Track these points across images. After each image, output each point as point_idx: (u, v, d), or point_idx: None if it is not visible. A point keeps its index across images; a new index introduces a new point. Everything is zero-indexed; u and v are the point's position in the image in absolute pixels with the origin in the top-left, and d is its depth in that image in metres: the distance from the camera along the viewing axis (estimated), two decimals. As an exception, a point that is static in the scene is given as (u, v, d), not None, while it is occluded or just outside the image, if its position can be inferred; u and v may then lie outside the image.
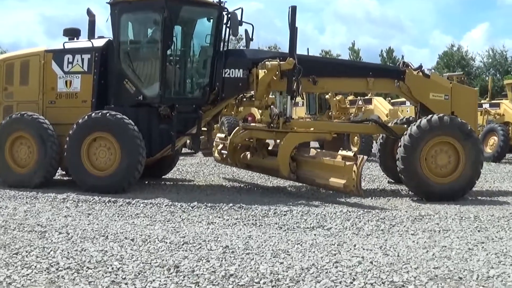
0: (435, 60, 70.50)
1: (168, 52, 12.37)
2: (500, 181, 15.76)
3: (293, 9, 12.03)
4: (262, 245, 7.39)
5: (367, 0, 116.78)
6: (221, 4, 12.66)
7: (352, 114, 25.46)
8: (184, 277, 5.85)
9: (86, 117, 11.94)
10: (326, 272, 6.09)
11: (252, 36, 13.15)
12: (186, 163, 18.58)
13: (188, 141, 16.19)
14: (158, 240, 7.52)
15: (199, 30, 13.12)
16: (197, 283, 5.68)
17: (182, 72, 12.94)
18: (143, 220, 9.08)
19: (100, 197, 10.98)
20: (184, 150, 20.43)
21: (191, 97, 13.13)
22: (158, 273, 5.98)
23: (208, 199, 11.12)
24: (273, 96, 15.32)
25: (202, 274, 5.95)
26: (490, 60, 66.06)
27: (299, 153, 12.23)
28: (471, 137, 11.87)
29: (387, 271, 6.21)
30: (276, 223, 8.99)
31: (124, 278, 5.75)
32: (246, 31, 13.04)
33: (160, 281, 5.70)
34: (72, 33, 13.37)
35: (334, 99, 26.17)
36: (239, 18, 12.44)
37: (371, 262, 6.55)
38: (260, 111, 19.20)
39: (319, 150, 12.20)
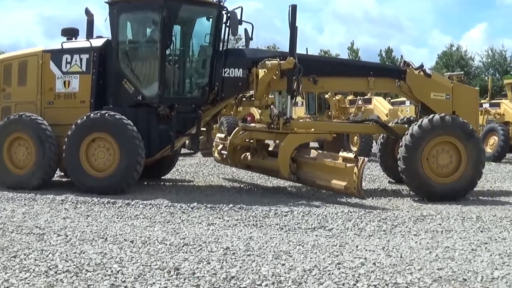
0: (434, 60, 70.59)
1: (167, 51, 12.30)
2: (501, 181, 15.68)
3: (293, 8, 11.94)
4: (263, 246, 7.31)
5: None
6: (221, 3, 12.57)
7: (352, 114, 25.39)
8: (184, 279, 5.76)
9: (85, 117, 11.85)
10: (329, 274, 6.01)
11: (251, 36, 13.06)
12: (185, 164, 18.49)
13: (187, 142, 16.10)
14: (158, 242, 7.43)
15: (199, 29, 13.03)
16: (198, 285, 5.59)
17: (181, 72, 12.86)
18: (142, 222, 8.98)
19: (99, 198, 10.89)
20: (183, 151, 20.31)
21: (190, 97, 13.04)
22: (158, 275, 5.88)
23: (208, 200, 11.04)
24: (273, 96, 15.25)
25: (203, 276, 5.86)
26: (489, 60, 66.04)
27: (299, 154, 12.14)
28: (473, 137, 11.81)
29: (391, 272, 6.13)
30: (277, 224, 8.90)
31: (124, 281, 5.65)
32: (245, 30, 12.96)
33: (160, 284, 5.61)
34: (70, 33, 13.27)
35: (334, 98, 26.10)
36: (238, 17, 12.35)
37: (374, 264, 6.47)
38: (259, 111, 19.16)
39: (319, 151, 12.08)
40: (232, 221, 9.11)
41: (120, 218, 9.29)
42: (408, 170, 11.69)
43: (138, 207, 10.21)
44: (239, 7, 12.41)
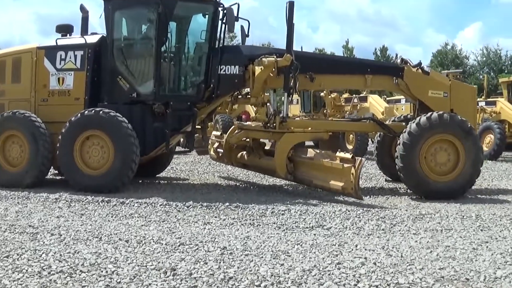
0: (429, 59, 70.39)
1: (163, 48, 12.11)
2: (498, 179, 15.60)
3: (291, 5, 11.81)
4: (261, 246, 7.18)
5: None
6: (217, 0, 12.42)
7: (347, 112, 25.28)
8: (181, 280, 5.62)
9: (79, 115, 11.69)
10: (329, 274, 5.89)
11: (248, 33, 12.90)
12: (180, 162, 18.37)
13: (181, 139, 15.98)
14: (154, 242, 7.29)
15: (194, 26, 12.87)
16: (195, 286, 5.46)
17: (176, 69, 12.70)
18: (137, 221, 8.84)
19: (93, 196, 10.73)
20: (177, 149, 20.15)
21: (185, 94, 12.89)
22: (154, 276, 5.74)
23: (203, 198, 10.89)
24: (268, 94, 15.11)
25: (200, 277, 5.73)
26: (484, 58, 66.05)
27: (296, 154, 12.02)
28: (471, 135, 11.71)
29: (392, 272, 6.01)
30: (274, 223, 8.77)
31: (119, 282, 5.52)
32: (242, 27, 12.79)
33: (156, 285, 5.47)
34: (64, 30, 13.13)
35: (329, 97, 25.97)
36: (235, 14, 12.21)
37: (375, 263, 6.35)
38: (255, 109, 19.02)
39: (316, 150, 11.96)
40: (229, 220, 8.98)
41: (115, 217, 9.15)
42: (406, 168, 11.58)
43: (133, 205, 10.07)
44: (236, 3, 12.28)
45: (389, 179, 14.29)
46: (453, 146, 11.65)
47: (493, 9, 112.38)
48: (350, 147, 21.70)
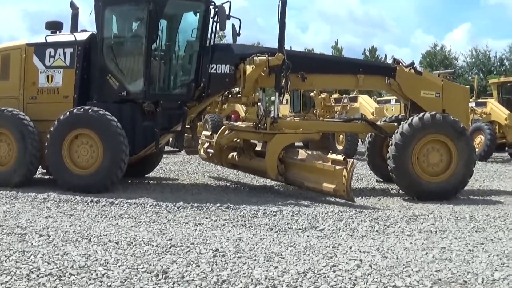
0: (418, 60, 70.59)
1: (153, 46, 11.96)
2: (489, 180, 15.57)
3: (283, 3, 11.68)
4: (254, 248, 7.04)
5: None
6: (208, -2, 12.30)
7: (337, 112, 25.21)
8: (173, 283, 5.48)
9: (68, 113, 11.52)
10: (325, 277, 5.77)
11: (239, 31, 12.77)
12: (169, 161, 18.21)
13: (170, 139, 15.83)
14: (144, 243, 7.13)
15: (186, 24, 12.70)
16: (188, 290, 5.33)
17: (167, 68, 12.53)
18: (127, 221, 8.68)
19: (82, 196, 10.55)
20: (166, 148, 20.00)
21: (176, 93, 12.72)
22: (145, 279, 5.60)
23: (194, 199, 10.75)
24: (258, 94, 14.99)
25: (192, 280, 5.59)
26: (473, 59, 66.22)
27: (287, 155, 11.89)
28: (464, 135, 11.64)
29: (388, 275, 5.90)
30: (266, 224, 8.63)
31: (110, 286, 5.36)
32: (233, 25, 12.63)
33: (148, 288, 5.34)
34: (54, 26, 12.94)
35: (319, 97, 25.91)
36: (227, 12, 12.07)
37: (370, 266, 6.24)
38: (244, 108, 18.89)
39: (308, 152, 11.84)
40: (220, 221, 8.83)
41: (104, 217, 8.97)
42: (398, 169, 11.49)
43: (123, 206, 9.89)
44: (228, 1, 12.12)
45: (380, 179, 14.23)
46: (446, 147, 11.58)
47: (482, 10, 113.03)
48: (340, 147, 21.63)
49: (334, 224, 8.72)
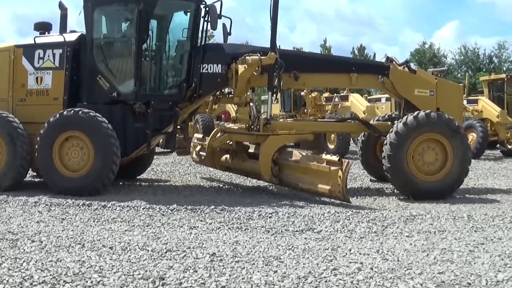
0: (407, 58, 70.67)
1: (144, 47, 11.76)
2: (484, 178, 15.50)
3: (275, 2, 11.52)
4: (252, 251, 6.89)
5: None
6: (199, -3, 12.14)
7: (328, 111, 25.10)
8: (171, 290, 5.34)
9: (58, 115, 11.32)
10: (326, 281, 5.64)
11: (230, 31, 12.61)
12: (160, 163, 18.05)
13: (161, 140, 15.67)
14: (139, 248, 6.96)
15: (176, 23, 12.52)
16: (186, 296, 5.18)
17: (158, 68, 12.37)
18: (120, 225, 8.51)
19: (73, 200, 10.34)
20: (157, 149, 19.81)
21: (167, 94, 12.55)
22: (142, 286, 5.44)
23: (187, 201, 10.59)
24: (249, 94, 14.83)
25: (190, 286, 5.45)
26: (462, 57, 66.38)
27: (281, 157, 11.74)
28: (458, 133, 11.55)
29: (390, 278, 5.78)
30: (262, 226, 8.48)
31: (106, 293, 5.22)
32: (224, 25, 12.49)
33: (145, 295, 5.18)
34: (43, 27, 12.73)
35: (310, 96, 25.78)
36: (218, 12, 11.91)
37: (372, 268, 6.11)
38: (235, 108, 18.73)
39: (302, 153, 11.69)
40: (215, 224, 8.67)
41: (97, 221, 8.79)
42: (393, 168, 11.37)
43: (115, 209, 9.71)
44: (219, 0, 11.97)
45: (374, 179, 14.11)
46: (441, 145, 11.48)
47: (470, 8, 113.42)
48: (332, 146, 21.49)
49: (331, 225, 8.59)
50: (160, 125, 12.20)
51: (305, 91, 25.14)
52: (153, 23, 12.06)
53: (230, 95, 12.98)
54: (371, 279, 5.73)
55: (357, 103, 24.21)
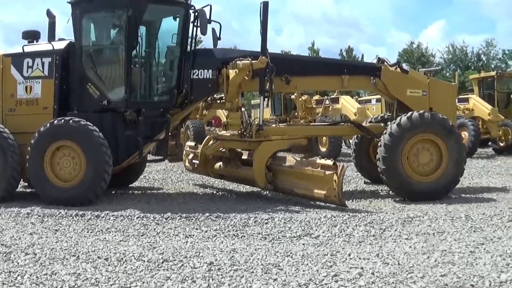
0: (395, 58, 70.84)
1: (133, 53, 11.66)
2: (478, 176, 15.45)
3: (265, 5, 11.44)
4: (250, 259, 6.77)
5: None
6: (188, 2, 12.01)
7: (319, 114, 25.02)
8: (170, 302, 5.22)
9: (48, 124, 11.18)
10: (327, 288, 5.52)
11: (219, 35, 12.49)
12: (152, 170, 17.89)
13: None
14: (135, 259, 6.82)
15: (165, 29, 12.40)
16: (186, 308, 5.05)
17: (148, 75, 12.23)
18: (115, 236, 8.36)
19: (66, 210, 10.19)
20: (149, 157, 19.64)
21: (158, 101, 12.42)
22: (140, 298, 5.32)
23: (181, 209, 10.44)
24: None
25: (190, 297, 5.33)
26: (450, 56, 66.57)
27: (275, 162, 11.65)
28: (453, 133, 11.50)
29: (393, 282, 5.69)
30: (259, 233, 8.36)
31: (103, 307, 5.09)
32: (213, 30, 12.33)
33: (144, 308, 5.06)
34: (31, 36, 12.57)
35: (300, 99, 25.68)
36: (207, 16, 11.80)
37: (373, 273, 6.00)
38: (226, 113, 18.62)
39: (296, 158, 11.60)
40: (211, 231, 8.54)
41: (91, 232, 8.65)
42: (388, 170, 11.30)
43: (109, 219, 9.56)
44: (208, 5, 11.86)
45: (368, 181, 14.03)
46: (436, 146, 11.43)
47: (456, 7, 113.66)
48: (323, 149, 21.43)
49: (328, 230, 8.47)
50: (151, 132, 12.08)
51: (295, 94, 25.06)
52: (142, 29, 11.96)
53: (221, 101, 12.86)
54: (373, 284, 5.64)
55: (348, 105, 24.14)
